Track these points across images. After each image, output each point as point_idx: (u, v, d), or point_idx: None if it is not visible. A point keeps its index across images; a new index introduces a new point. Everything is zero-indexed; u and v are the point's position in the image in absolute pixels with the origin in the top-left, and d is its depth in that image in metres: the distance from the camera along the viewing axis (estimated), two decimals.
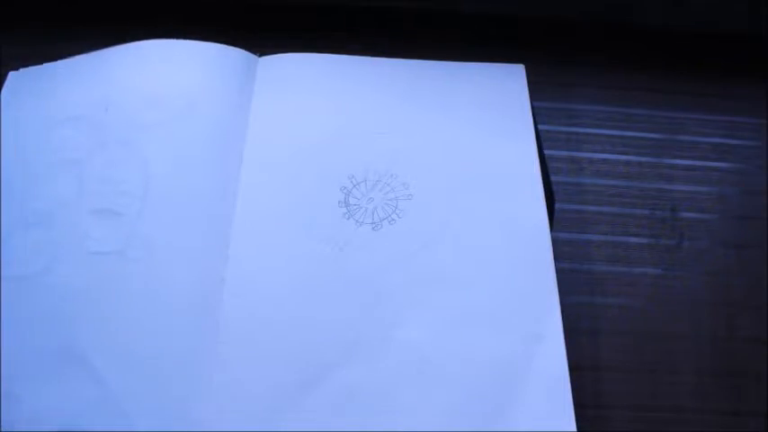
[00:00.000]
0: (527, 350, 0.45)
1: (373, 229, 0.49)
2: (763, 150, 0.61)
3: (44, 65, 0.57)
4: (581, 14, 0.66)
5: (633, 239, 0.56)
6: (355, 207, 0.50)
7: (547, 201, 0.52)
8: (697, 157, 0.61)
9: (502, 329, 0.46)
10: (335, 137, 0.54)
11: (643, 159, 0.60)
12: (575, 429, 0.43)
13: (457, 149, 0.54)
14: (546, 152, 0.55)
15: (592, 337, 0.52)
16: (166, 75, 0.56)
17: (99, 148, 0.52)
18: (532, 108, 0.56)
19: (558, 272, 0.49)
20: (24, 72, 0.57)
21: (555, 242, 0.51)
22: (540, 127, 0.56)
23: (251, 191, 0.51)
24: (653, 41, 0.66)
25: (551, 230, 0.51)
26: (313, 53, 0.58)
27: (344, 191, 0.51)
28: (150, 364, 0.44)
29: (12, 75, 0.57)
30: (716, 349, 0.52)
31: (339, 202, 0.50)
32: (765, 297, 0.54)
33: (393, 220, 0.50)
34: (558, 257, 0.50)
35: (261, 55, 0.58)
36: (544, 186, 0.52)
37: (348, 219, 0.50)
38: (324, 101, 0.56)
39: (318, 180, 0.51)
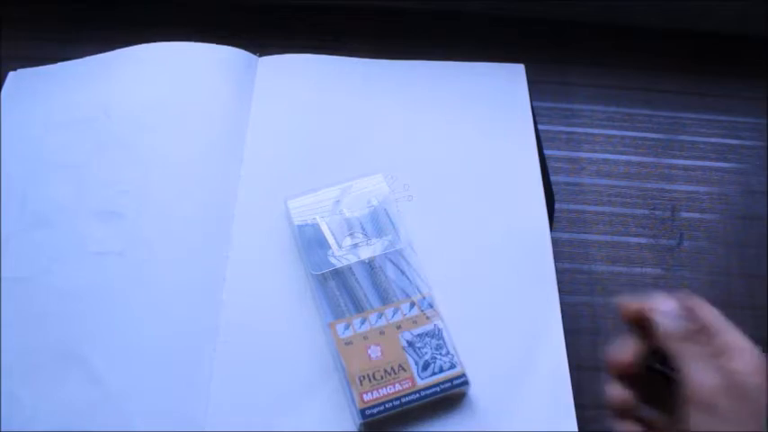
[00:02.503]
0: (527, 350, 0.45)
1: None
2: (764, 150, 0.61)
3: (44, 66, 0.57)
4: (581, 14, 0.66)
5: (633, 239, 0.56)
6: None
7: (547, 201, 0.52)
8: (697, 157, 0.61)
9: (502, 329, 0.46)
10: (335, 137, 0.54)
11: (643, 159, 0.60)
12: (576, 430, 0.43)
13: (457, 149, 0.54)
14: (546, 152, 0.55)
15: (592, 337, 0.52)
16: (166, 76, 0.55)
17: (99, 150, 0.52)
18: (532, 108, 0.56)
19: (558, 272, 0.49)
20: (24, 72, 0.57)
21: (555, 242, 0.51)
22: (540, 127, 0.56)
23: (251, 190, 0.51)
24: (653, 41, 0.66)
25: (551, 230, 0.51)
26: (313, 53, 0.58)
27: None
28: (150, 364, 0.44)
29: (11, 75, 0.57)
30: None
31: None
32: (765, 297, 0.54)
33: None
34: (558, 257, 0.50)
35: (261, 55, 0.58)
36: (544, 186, 0.52)
37: None
38: (323, 101, 0.56)
39: (318, 180, 0.51)
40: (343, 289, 0.46)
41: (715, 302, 0.53)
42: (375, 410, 0.41)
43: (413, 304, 0.45)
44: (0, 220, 0.49)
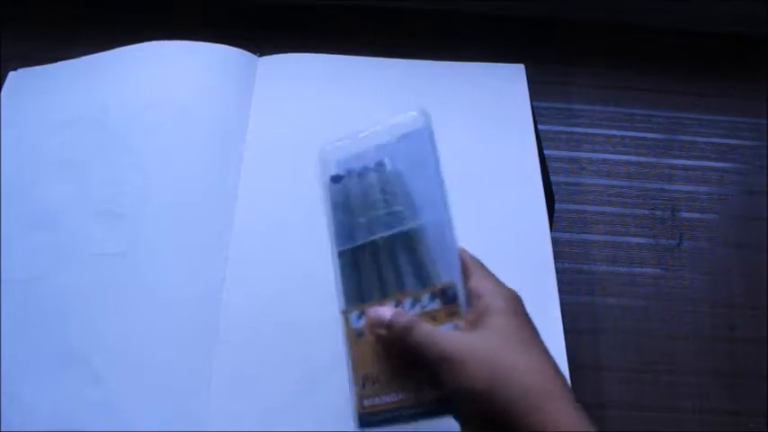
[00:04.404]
0: None
1: None
2: (764, 150, 0.61)
3: (44, 65, 0.57)
4: (581, 14, 0.66)
5: (633, 239, 0.56)
6: None
7: (547, 201, 0.52)
8: (697, 157, 0.61)
9: None
10: (335, 137, 0.54)
11: (643, 159, 0.60)
12: None
13: (457, 149, 0.54)
14: (546, 152, 0.55)
15: (592, 337, 0.52)
16: (166, 75, 0.56)
17: (100, 149, 0.52)
18: (532, 108, 0.56)
19: (558, 272, 0.49)
20: (24, 72, 0.57)
21: (555, 242, 0.51)
22: (540, 127, 0.56)
23: (251, 190, 0.51)
24: (653, 41, 0.66)
25: (551, 230, 0.51)
26: (312, 53, 0.58)
27: None
28: (150, 364, 0.44)
29: (11, 75, 0.57)
30: (716, 349, 0.52)
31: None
32: (765, 297, 0.54)
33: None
34: (558, 257, 0.50)
35: (261, 55, 0.58)
36: (544, 186, 0.52)
37: None
38: (323, 101, 0.56)
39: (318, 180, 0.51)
40: (360, 272, 0.41)
41: (715, 302, 0.54)
42: (374, 419, 0.38)
43: (434, 295, 0.40)
44: (0, 221, 0.49)
